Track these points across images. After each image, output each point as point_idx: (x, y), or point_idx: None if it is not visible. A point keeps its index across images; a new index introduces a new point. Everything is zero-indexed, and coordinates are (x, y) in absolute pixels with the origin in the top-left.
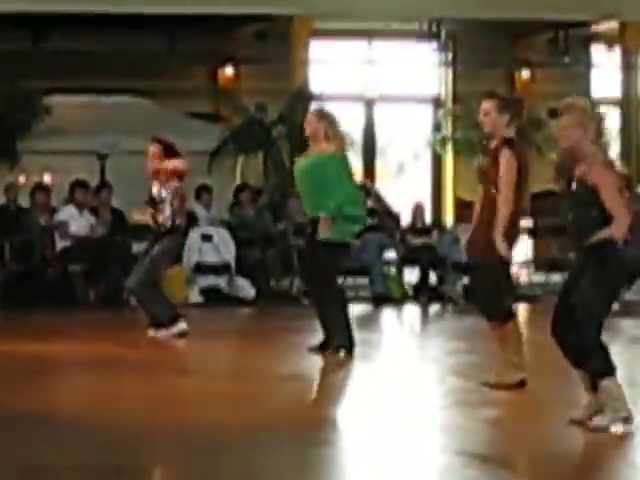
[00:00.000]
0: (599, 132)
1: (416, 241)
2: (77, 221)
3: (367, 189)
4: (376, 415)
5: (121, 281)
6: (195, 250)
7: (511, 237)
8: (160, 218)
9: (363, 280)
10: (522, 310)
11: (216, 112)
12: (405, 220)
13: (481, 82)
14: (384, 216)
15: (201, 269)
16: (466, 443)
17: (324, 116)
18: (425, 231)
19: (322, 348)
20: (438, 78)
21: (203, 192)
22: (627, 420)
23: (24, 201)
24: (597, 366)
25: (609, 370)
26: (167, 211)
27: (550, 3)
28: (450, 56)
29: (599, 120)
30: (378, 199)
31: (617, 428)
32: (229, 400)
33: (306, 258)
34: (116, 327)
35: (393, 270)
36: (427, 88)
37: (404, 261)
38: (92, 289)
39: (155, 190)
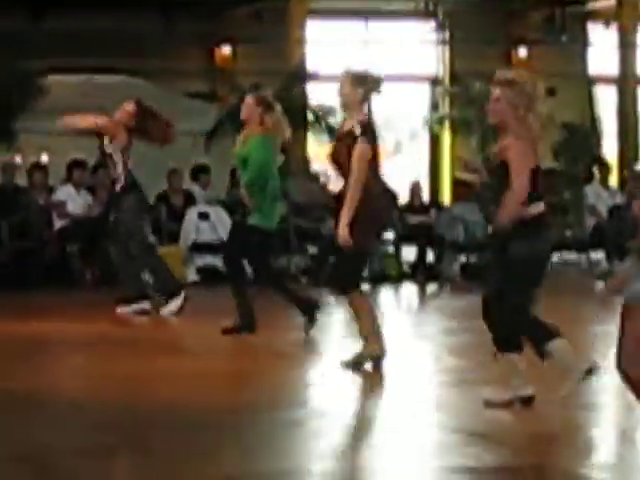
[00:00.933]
0: (529, 109)
1: (413, 220)
2: (75, 201)
3: None
4: (372, 394)
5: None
6: (192, 229)
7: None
8: (113, 174)
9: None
10: None
11: (213, 92)
12: (403, 199)
13: (478, 61)
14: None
15: (198, 248)
16: (464, 421)
17: (262, 101)
18: (422, 210)
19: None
20: (435, 57)
21: (200, 172)
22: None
23: (22, 181)
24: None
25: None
26: (119, 167)
27: None
28: (447, 35)
29: (531, 97)
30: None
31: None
32: (225, 379)
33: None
34: (112, 307)
35: (390, 249)
36: (424, 67)
37: (401, 240)
38: (89, 269)
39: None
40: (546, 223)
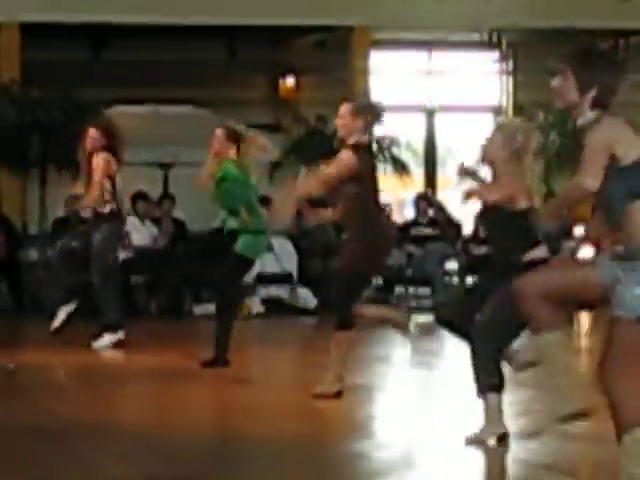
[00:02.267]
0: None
1: (478, 251)
2: (139, 232)
3: (429, 199)
4: (435, 427)
5: (182, 292)
6: (257, 260)
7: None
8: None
9: (425, 290)
10: None
11: (276, 122)
12: (467, 229)
13: (541, 91)
14: (445, 226)
15: (262, 279)
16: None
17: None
18: (487, 240)
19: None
20: (499, 88)
21: (264, 203)
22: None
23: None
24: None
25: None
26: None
27: (612, 10)
28: (511, 65)
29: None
30: (440, 209)
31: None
32: (290, 411)
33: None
34: (177, 338)
35: (455, 280)
36: (488, 98)
37: (466, 271)
38: (154, 300)
39: None
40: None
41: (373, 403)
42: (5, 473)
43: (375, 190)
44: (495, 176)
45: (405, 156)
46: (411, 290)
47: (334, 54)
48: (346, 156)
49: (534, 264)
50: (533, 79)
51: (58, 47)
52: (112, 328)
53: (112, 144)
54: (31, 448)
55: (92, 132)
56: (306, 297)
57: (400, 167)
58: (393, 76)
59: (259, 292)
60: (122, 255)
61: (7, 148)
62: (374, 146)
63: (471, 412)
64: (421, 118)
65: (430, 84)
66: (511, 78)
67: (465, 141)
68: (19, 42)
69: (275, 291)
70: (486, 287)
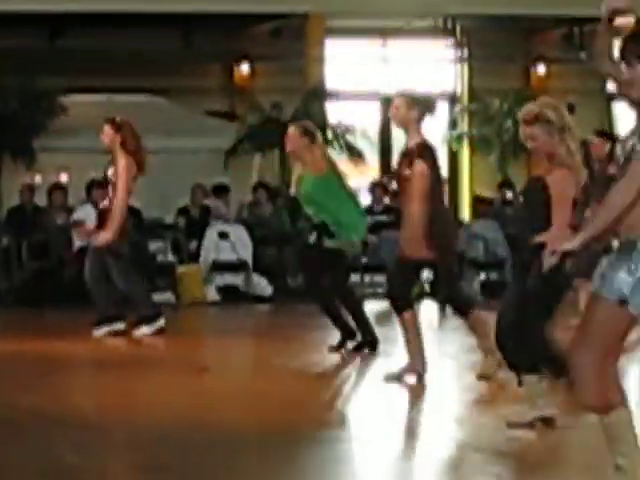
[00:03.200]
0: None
1: None
2: (95, 220)
3: (384, 186)
4: (394, 412)
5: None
6: (212, 248)
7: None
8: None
9: (381, 277)
10: None
11: (232, 110)
12: None
13: (497, 78)
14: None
15: (218, 267)
16: (486, 440)
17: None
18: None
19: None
20: (453, 75)
21: (220, 190)
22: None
23: (41, 201)
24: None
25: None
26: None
27: None
28: (465, 52)
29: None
30: (395, 196)
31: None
32: (247, 398)
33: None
34: (132, 326)
35: None
36: (443, 85)
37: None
38: None
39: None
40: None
41: (330, 389)
42: None
43: (440, 187)
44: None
45: (360, 143)
46: (367, 278)
47: (289, 42)
48: (421, 169)
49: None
50: (488, 66)
51: (13, 35)
52: (149, 318)
53: (127, 141)
54: None
55: (105, 129)
56: (261, 285)
57: (355, 154)
58: (348, 63)
59: (215, 280)
60: (78, 243)
61: None
62: (331, 134)
63: (425, 398)
64: (376, 105)
65: (385, 71)
66: (466, 65)
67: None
68: None
69: (231, 279)
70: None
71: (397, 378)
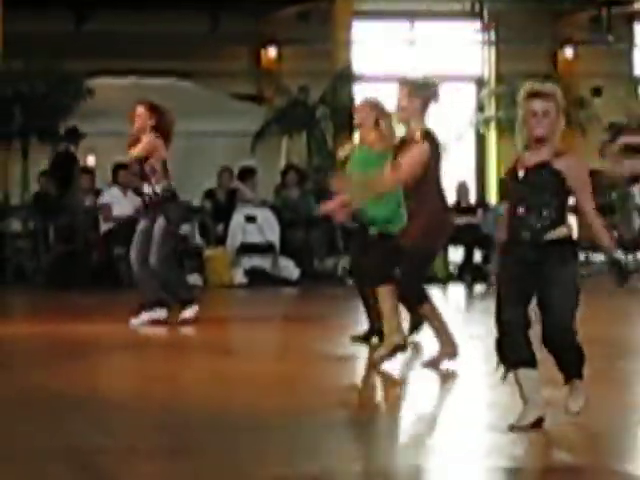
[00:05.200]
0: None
1: (460, 220)
2: (122, 203)
3: None
4: (421, 394)
5: None
6: (239, 231)
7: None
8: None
9: None
10: None
11: (259, 93)
12: (449, 200)
13: (524, 61)
14: None
15: (245, 250)
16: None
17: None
18: (469, 210)
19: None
20: (481, 58)
21: (247, 173)
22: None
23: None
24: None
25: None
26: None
27: None
28: (493, 35)
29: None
30: None
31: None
32: (273, 381)
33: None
34: (176, 313)
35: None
36: (470, 68)
37: (448, 241)
38: None
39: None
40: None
41: (355, 373)
42: None
43: (438, 175)
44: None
45: None
46: None
47: (316, 25)
48: (420, 150)
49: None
50: (515, 49)
51: (40, 19)
52: (187, 303)
53: (160, 123)
54: (14, 421)
55: (139, 110)
56: (288, 268)
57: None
58: (375, 47)
59: (242, 263)
60: (104, 227)
61: None
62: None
63: (453, 381)
64: None
65: (412, 54)
66: (493, 48)
67: (447, 111)
68: (1, 14)
69: (258, 262)
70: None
71: (433, 365)
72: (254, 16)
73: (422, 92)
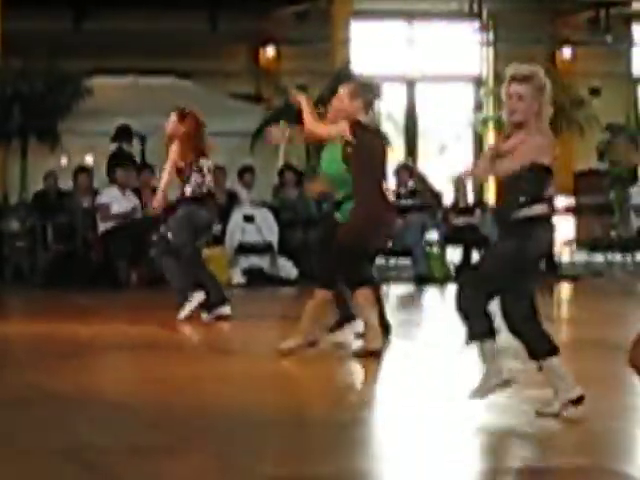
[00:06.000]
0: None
1: (458, 221)
2: (120, 202)
3: (409, 169)
4: (418, 394)
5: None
6: (237, 231)
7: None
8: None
9: (405, 261)
10: (564, 289)
11: (257, 93)
12: (447, 200)
13: (522, 61)
14: (426, 196)
15: (243, 249)
16: (512, 422)
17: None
18: (467, 211)
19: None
20: (479, 58)
21: (245, 173)
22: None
23: (67, 183)
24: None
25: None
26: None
27: None
28: (491, 35)
29: (544, 93)
30: (420, 179)
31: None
32: (272, 381)
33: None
34: (158, 309)
35: (436, 250)
36: (468, 68)
37: (447, 241)
38: (134, 271)
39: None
40: (545, 226)
41: (353, 373)
42: None
43: (377, 169)
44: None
45: (386, 126)
46: (392, 261)
47: (315, 24)
48: (342, 126)
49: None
50: (514, 49)
51: (39, 17)
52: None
53: (189, 132)
54: (13, 420)
55: (172, 117)
56: (287, 268)
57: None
58: (374, 46)
59: (240, 262)
60: (102, 227)
61: None
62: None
63: (452, 381)
64: (402, 88)
65: (411, 54)
66: (492, 48)
67: (445, 111)
68: (0, 12)
69: (256, 261)
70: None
71: (359, 355)
72: (253, 15)
73: (364, 94)
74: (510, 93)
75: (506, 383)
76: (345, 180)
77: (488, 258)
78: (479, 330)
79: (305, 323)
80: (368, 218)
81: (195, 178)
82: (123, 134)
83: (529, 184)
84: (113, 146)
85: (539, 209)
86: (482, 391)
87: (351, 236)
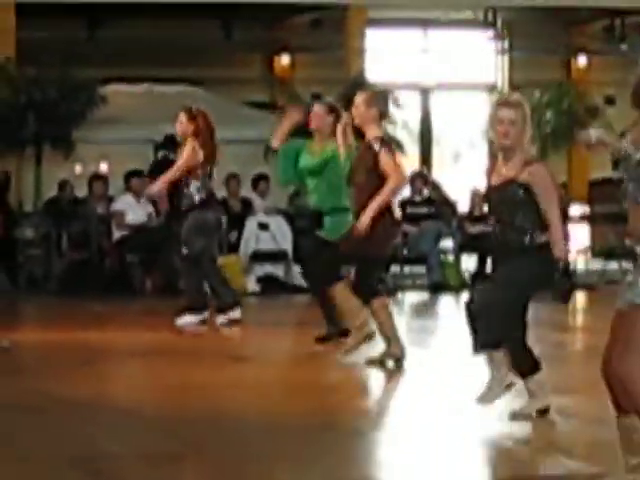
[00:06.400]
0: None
1: (473, 229)
2: (134, 210)
3: (424, 177)
4: (431, 402)
5: (178, 270)
6: (252, 238)
7: None
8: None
9: (420, 268)
10: (579, 298)
11: (272, 101)
12: (462, 208)
13: (537, 70)
14: (441, 204)
15: (258, 257)
16: (528, 431)
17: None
18: (482, 218)
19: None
20: (494, 66)
21: (260, 181)
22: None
23: (81, 191)
24: None
25: None
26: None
27: None
28: (506, 44)
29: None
30: (435, 187)
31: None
32: (286, 389)
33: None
34: (172, 316)
35: (451, 258)
36: (483, 76)
37: (462, 249)
38: (149, 278)
39: None
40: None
41: (366, 381)
42: (1, 453)
43: None
44: (508, 156)
45: (400, 134)
46: (406, 269)
47: (329, 33)
48: (393, 158)
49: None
50: (528, 58)
51: (53, 26)
52: (225, 309)
53: (200, 130)
54: (28, 427)
55: (181, 117)
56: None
57: (396, 145)
58: (389, 55)
59: (255, 270)
60: (117, 234)
61: (2, 126)
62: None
63: (466, 389)
64: (416, 96)
65: (426, 62)
66: (506, 56)
67: (460, 119)
68: (14, 21)
69: (270, 269)
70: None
71: (379, 362)
72: (267, 24)
73: (380, 103)
74: (501, 118)
75: (510, 387)
76: (337, 191)
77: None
78: (490, 340)
79: (387, 332)
80: (393, 228)
81: (194, 183)
82: (169, 143)
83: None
84: (160, 154)
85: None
86: (489, 397)
87: (384, 247)
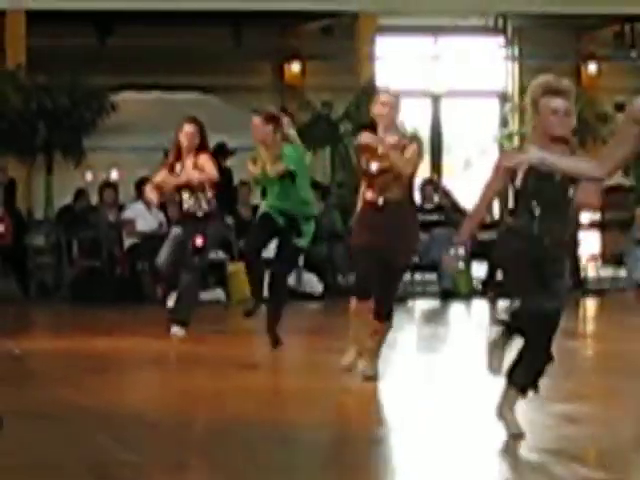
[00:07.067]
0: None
1: (484, 236)
2: (145, 218)
3: (435, 184)
4: (441, 410)
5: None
6: None
7: None
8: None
9: (431, 275)
10: (589, 304)
11: (282, 109)
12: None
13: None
14: (451, 211)
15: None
16: (540, 438)
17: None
18: (493, 226)
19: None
20: (504, 73)
21: None
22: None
23: (92, 198)
24: None
25: None
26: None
27: None
28: (516, 51)
29: None
30: (445, 195)
31: None
32: (298, 396)
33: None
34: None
35: (461, 265)
36: (493, 83)
37: (472, 256)
38: (159, 286)
39: None
40: None
41: (375, 389)
42: (13, 460)
43: None
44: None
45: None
46: (417, 276)
47: (340, 40)
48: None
49: None
50: (539, 64)
51: (64, 33)
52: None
53: (206, 143)
54: (40, 434)
55: (188, 127)
56: (312, 282)
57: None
58: (399, 62)
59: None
60: (128, 242)
61: (13, 134)
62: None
63: (478, 396)
64: (427, 104)
65: (436, 69)
66: (516, 63)
67: (471, 127)
68: (25, 28)
69: None
70: None
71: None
72: (277, 31)
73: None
74: (556, 108)
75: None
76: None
77: None
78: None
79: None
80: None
81: (208, 193)
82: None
83: None
84: None
85: None
86: (506, 405)
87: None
